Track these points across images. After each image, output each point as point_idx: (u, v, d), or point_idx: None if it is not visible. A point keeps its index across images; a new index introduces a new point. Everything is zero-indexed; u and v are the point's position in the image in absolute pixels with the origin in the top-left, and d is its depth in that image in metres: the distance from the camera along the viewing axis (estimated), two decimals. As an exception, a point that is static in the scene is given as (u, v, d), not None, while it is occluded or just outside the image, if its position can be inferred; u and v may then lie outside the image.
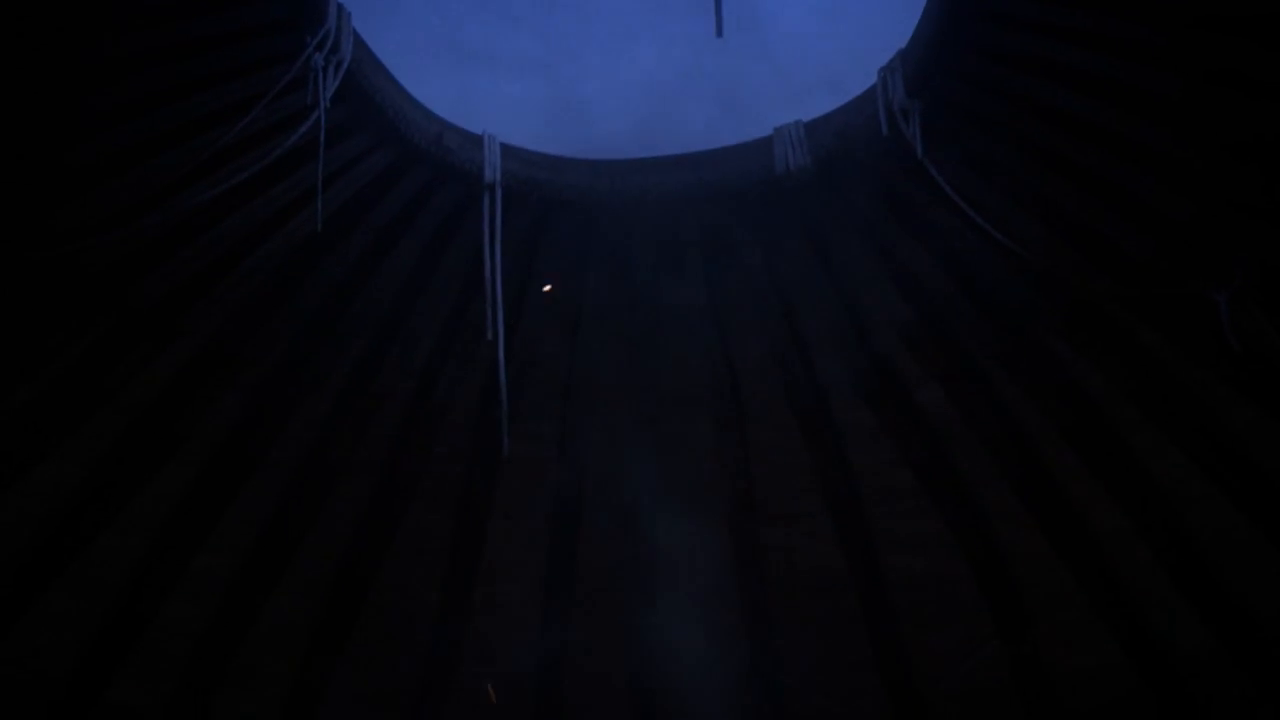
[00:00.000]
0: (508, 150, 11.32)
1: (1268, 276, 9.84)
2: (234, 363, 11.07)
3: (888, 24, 11.64)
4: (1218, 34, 9.46)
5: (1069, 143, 10.18)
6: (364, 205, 10.90)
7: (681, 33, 18.71)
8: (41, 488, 10.94)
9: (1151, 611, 11.71)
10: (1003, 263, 10.62)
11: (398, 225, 11.11)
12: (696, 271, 11.36)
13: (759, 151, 11.32)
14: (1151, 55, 9.71)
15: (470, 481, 11.98)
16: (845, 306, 11.34)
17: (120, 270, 10.32)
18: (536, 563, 12.35)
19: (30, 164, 9.72)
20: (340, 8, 10.54)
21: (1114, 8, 9.77)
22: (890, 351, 11.50)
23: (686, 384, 11.88)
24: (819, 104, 11.51)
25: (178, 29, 9.80)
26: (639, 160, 11.63)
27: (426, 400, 11.60)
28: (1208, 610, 11.43)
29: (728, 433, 12.03)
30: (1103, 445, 11.23)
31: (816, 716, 12.63)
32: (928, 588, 12.19)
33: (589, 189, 11.44)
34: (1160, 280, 10.20)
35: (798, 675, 12.58)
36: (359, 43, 10.72)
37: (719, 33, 10.06)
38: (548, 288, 11.27)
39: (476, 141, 11.22)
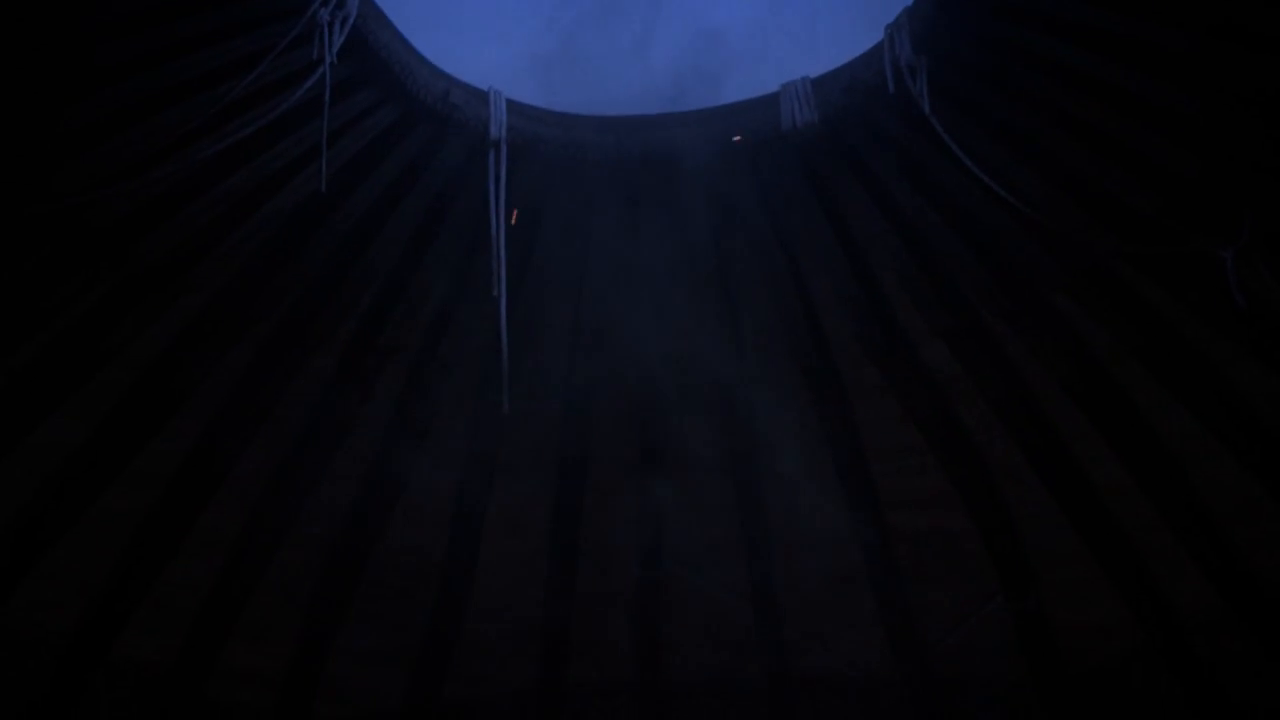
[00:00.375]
0: (513, 106, 11.34)
1: (1274, 234, 9.87)
2: (240, 319, 11.13)
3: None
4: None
5: (1075, 100, 10.20)
6: (370, 161, 10.94)
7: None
8: (47, 444, 11.03)
9: (1155, 568, 11.81)
10: (1009, 220, 10.65)
11: (403, 181, 11.15)
12: (704, 228, 11.40)
13: (766, 107, 11.34)
14: (1157, 10, 9.72)
15: (476, 438, 12.05)
16: (851, 263, 11.37)
17: (125, 226, 10.38)
18: (541, 517, 12.45)
19: (35, 120, 9.76)
20: (346, -38, 10.54)
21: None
22: (896, 309, 11.55)
23: (692, 341, 11.94)
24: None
25: (183, -14, 9.84)
26: (646, 116, 11.66)
27: (432, 355, 11.66)
28: (1212, 567, 11.53)
29: (733, 390, 12.08)
30: (1107, 402, 11.30)
31: (821, 673, 12.77)
32: (932, 544, 12.31)
33: (595, 145, 11.47)
34: (1166, 238, 10.23)
35: (801, 631, 12.71)
36: (365, -3, 10.73)
37: None
38: (513, 218, 11.25)
39: (482, 98, 11.25)
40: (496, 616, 12.68)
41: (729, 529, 12.52)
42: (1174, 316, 10.81)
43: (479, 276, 10.97)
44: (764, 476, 12.35)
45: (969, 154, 10.18)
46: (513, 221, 11.03)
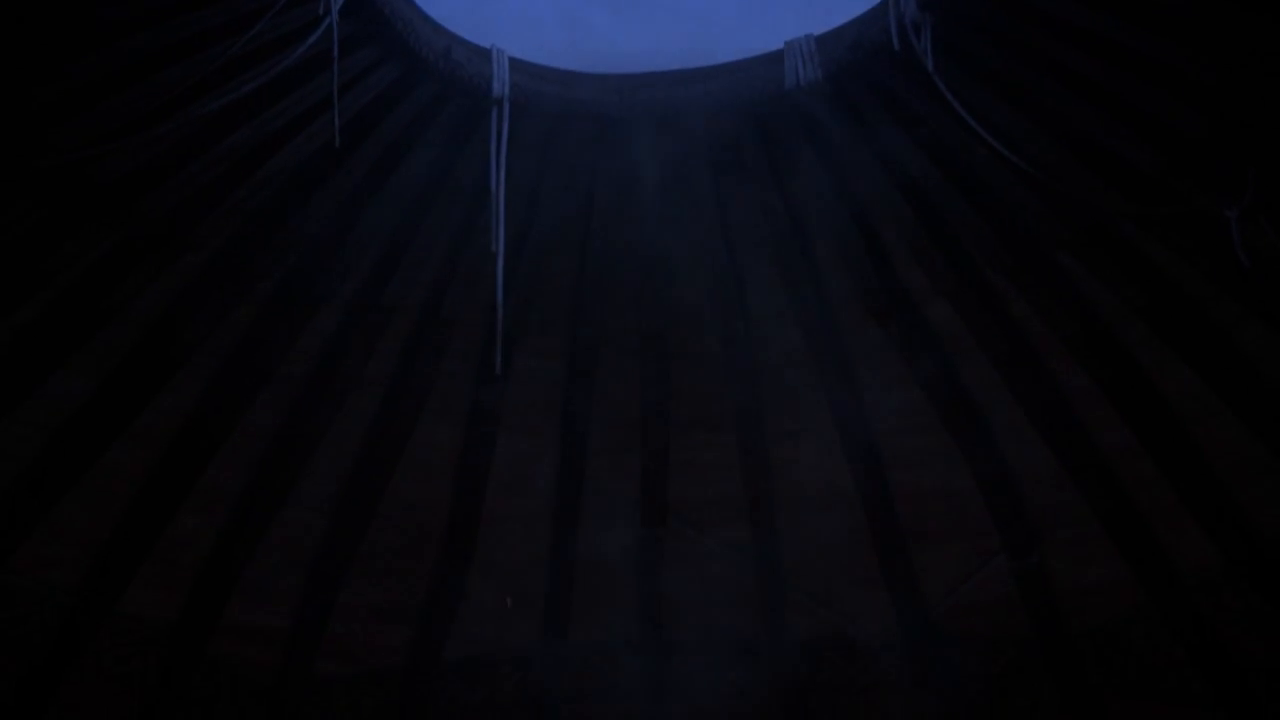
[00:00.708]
0: (516, 64, 11.36)
1: (1279, 193, 9.91)
2: (242, 277, 11.20)
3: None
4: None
5: (1081, 58, 10.23)
6: (371, 119, 10.98)
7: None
8: (51, 401, 11.12)
9: (1157, 527, 11.90)
10: (1013, 179, 10.69)
11: (406, 140, 11.19)
12: (706, 188, 11.44)
13: (770, 65, 11.36)
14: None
15: (479, 396, 12.13)
16: (855, 222, 11.41)
17: (127, 184, 10.44)
18: (545, 477, 12.54)
19: (37, 77, 9.79)
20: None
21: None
22: (899, 268, 11.59)
23: (695, 301, 12.00)
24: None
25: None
26: (649, 74, 11.68)
27: (435, 315, 11.73)
28: (1214, 526, 11.63)
29: (736, 349, 12.15)
30: (1110, 361, 11.37)
31: (823, 631, 12.87)
32: (935, 503, 12.39)
33: (598, 103, 11.50)
34: (1171, 196, 10.27)
35: (803, 590, 12.81)
36: (366, -48, 10.74)
37: None
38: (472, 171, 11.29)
39: (485, 55, 11.27)
40: (499, 575, 12.80)
41: (732, 488, 12.62)
42: (1178, 275, 10.88)
43: (481, 235, 11.02)
44: (767, 435, 12.42)
45: (973, 112, 10.22)
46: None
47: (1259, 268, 9.84)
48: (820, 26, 11.35)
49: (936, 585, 12.65)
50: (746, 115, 11.35)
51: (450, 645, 12.83)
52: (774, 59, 11.24)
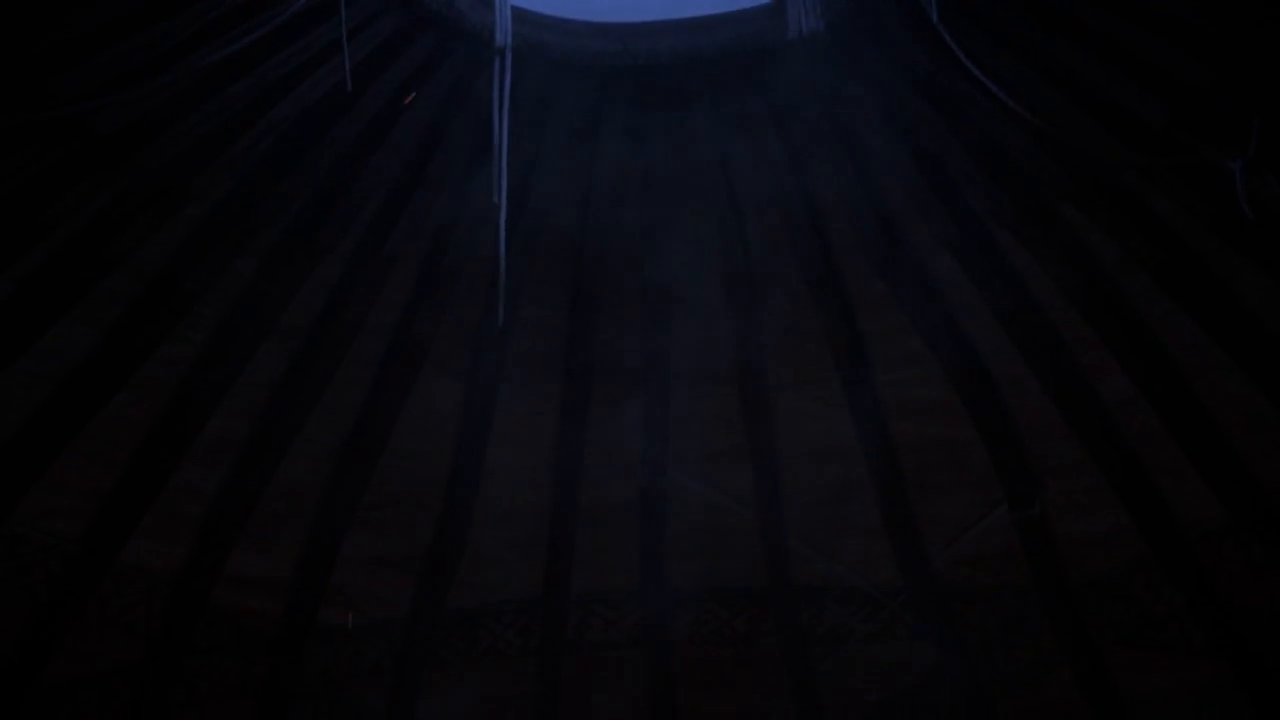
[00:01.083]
0: (519, 14, 11.36)
1: (1283, 144, 9.94)
2: (244, 227, 11.25)
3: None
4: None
5: (1085, 8, 10.22)
6: (373, 69, 10.99)
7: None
8: (55, 351, 11.22)
9: (1160, 480, 11.99)
10: (1016, 130, 10.71)
11: (407, 89, 11.20)
12: (709, 138, 11.47)
13: (773, 15, 11.36)
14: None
15: (482, 346, 12.20)
16: (857, 175, 11.44)
17: (127, 135, 10.48)
18: (547, 427, 12.62)
19: (36, 27, 9.81)
20: None
21: None
22: (902, 219, 11.63)
23: (698, 251, 12.04)
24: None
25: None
26: (651, 23, 11.67)
27: (438, 265, 11.80)
28: (1216, 479, 11.71)
29: (738, 299, 12.21)
30: (1114, 313, 11.42)
31: (825, 582, 12.99)
32: (937, 454, 12.49)
33: (600, 53, 11.50)
34: (1175, 148, 10.29)
35: (805, 540, 12.92)
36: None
37: None
38: (409, 99, 11.27)
39: (487, 4, 11.27)
40: (502, 525, 12.91)
41: (734, 439, 12.71)
42: (1181, 227, 10.91)
43: (483, 186, 11.04)
44: (769, 387, 12.49)
45: (977, 63, 10.22)
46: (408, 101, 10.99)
47: (1262, 219, 9.87)
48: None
49: (938, 536, 12.77)
50: (749, 65, 11.35)
51: (453, 594, 12.96)
52: (776, 10, 11.24)
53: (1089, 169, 10.81)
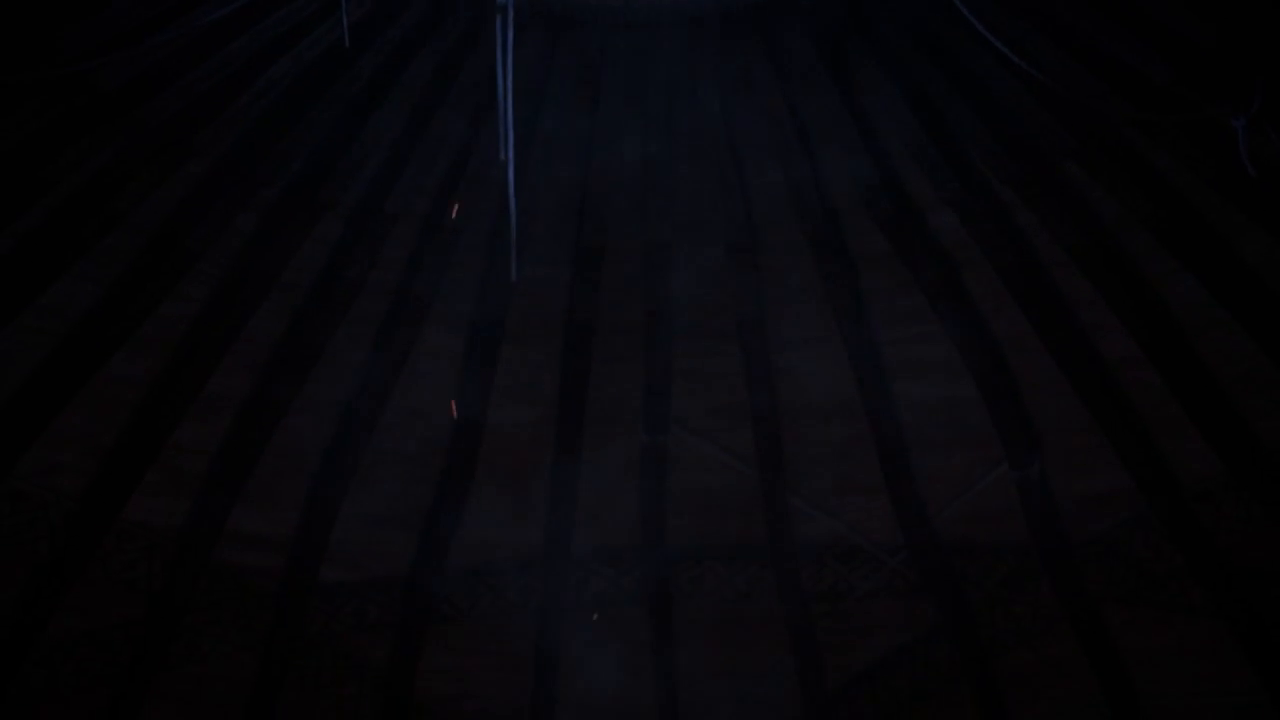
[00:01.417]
0: (520, -31, 11.37)
1: (1286, 102, 9.98)
2: (245, 184, 11.30)
3: None
4: None
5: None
6: (375, 26, 11.01)
7: None
8: (57, 308, 11.30)
9: (1160, 438, 12.08)
10: (1020, 87, 10.73)
11: (410, 46, 11.22)
12: (712, 96, 11.49)
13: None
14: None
15: (483, 303, 12.28)
16: (861, 131, 11.47)
17: (131, 90, 10.50)
18: (549, 383, 12.70)
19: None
20: None
21: None
22: (904, 177, 11.68)
23: (700, 209, 12.10)
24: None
25: None
26: (653, -22, 11.69)
27: (439, 221, 11.84)
28: (1217, 437, 11.80)
29: (740, 257, 12.26)
30: (1116, 271, 11.48)
31: (825, 538, 13.10)
32: (938, 412, 12.58)
33: (602, 8, 11.51)
34: (1178, 105, 10.32)
35: (806, 498, 13.01)
36: None
37: None
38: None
39: (489, -41, 11.29)
40: (504, 482, 13.00)
41: (735, 396, 12.78)
42: (1184, 185, 10.96)
43: (486, 142, 11.10)
44: (770, 344, 12.56)
45: (980, 19, 10.23)
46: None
47: (1265, 177, 9.91)
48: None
49: (938, 494, 12.87)
50: (755, 20, 11.36)
51: (454, 552, 13.06)
52: (782, -35, 11.25)
53: (1091, 126, 10.84)
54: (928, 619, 13.16)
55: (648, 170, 11.77)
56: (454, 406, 12.70)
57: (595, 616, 13.32)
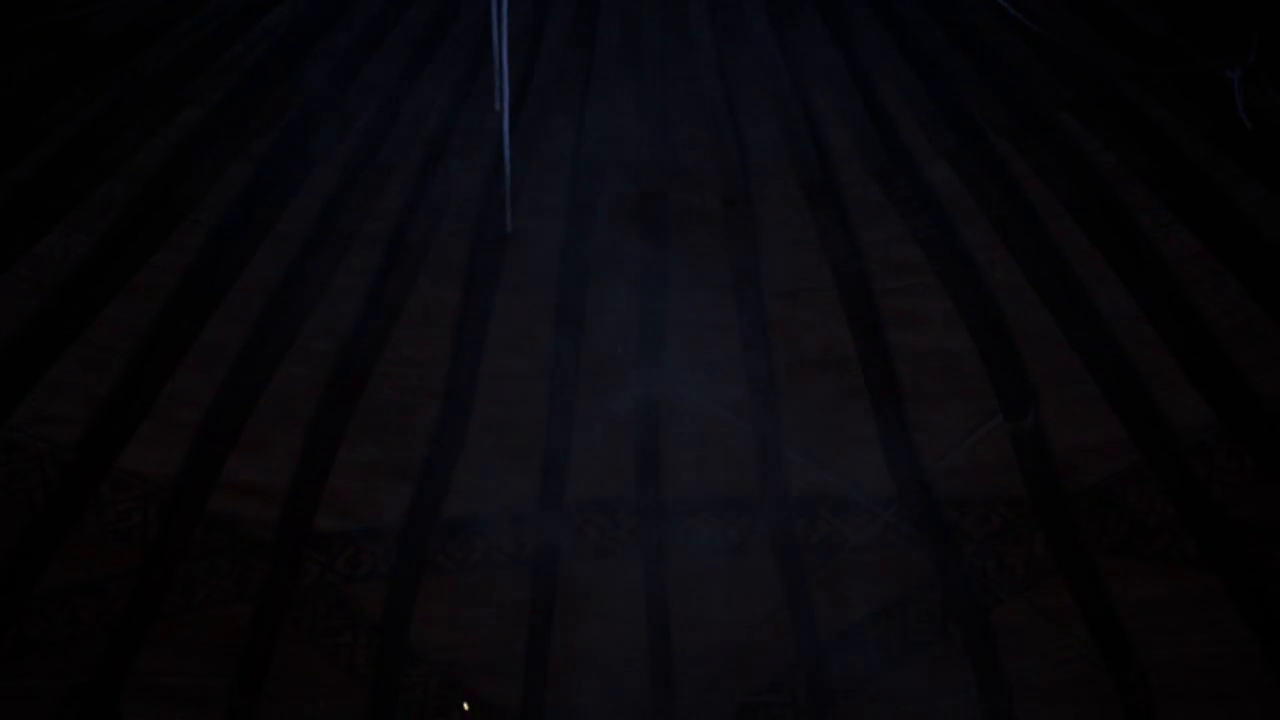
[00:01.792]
0: (512, -83, 11.38)
1: (1282, 54, 10.02)
2: (239, 134, 11.33)
3: None
4: None
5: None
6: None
7: None
8: (51, 257, 11.36)
9: (1155, 390, 12.17)
10: (1016, 38, 10.76)
11: (402, -4, 11.26)
12: (707, 45, 11.50)
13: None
14: None
15: (478, 255, 12.33)
16: (856, 82, 11.49)
17: (124, 38, 10.53)
18: (542, 336, 12.78)
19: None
20: None
21: None
22: (900, 128, 11.71)
23: (695, 159, 12.14)
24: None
25: None
26: (648, -73, 11.70)
27: (434, 173, 11.88)
28: (1212, 389, 11.90)
29: (735, 209, 12.30)
30: (1111, 224, 11.55)
31: (817, 489, 13.20)
32: (933, 364, 12.65)
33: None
34: (1174, 57, 10.36)
35: (800, 450, 13.10)
36: None
37: None
38: None
39: (481, -92, 11.29)
40: (497, 433, 13.10)
41: (730, 349, 12.85)
42: (1179, 137, 11.02)
43: (481, 93, 11.13)
44: (765, 295, 12.62)
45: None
46: None
47: (1261, 129, 9.97)
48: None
49: (932, 445, 12.96)
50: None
51: (448, 502, 13.16)
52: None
53: (1088, 78, 10.88)
54: (922, 570, 13.26)
55: (643, 118, 11.80)
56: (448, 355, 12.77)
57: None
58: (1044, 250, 11.92)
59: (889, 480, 13.08)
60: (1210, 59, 10.04)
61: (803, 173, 12.05)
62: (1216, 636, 12.70)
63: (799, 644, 13.39)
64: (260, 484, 12.81)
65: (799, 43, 11.53)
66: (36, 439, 12.05)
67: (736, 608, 13.56)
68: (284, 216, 11.85)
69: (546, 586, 13.35)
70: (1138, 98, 10.93)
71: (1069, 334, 12.13)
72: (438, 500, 13.13)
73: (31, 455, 12.06)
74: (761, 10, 11.43)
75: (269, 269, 12.07)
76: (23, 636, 12.41)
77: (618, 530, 13.38)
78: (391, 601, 13.24)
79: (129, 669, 12.66)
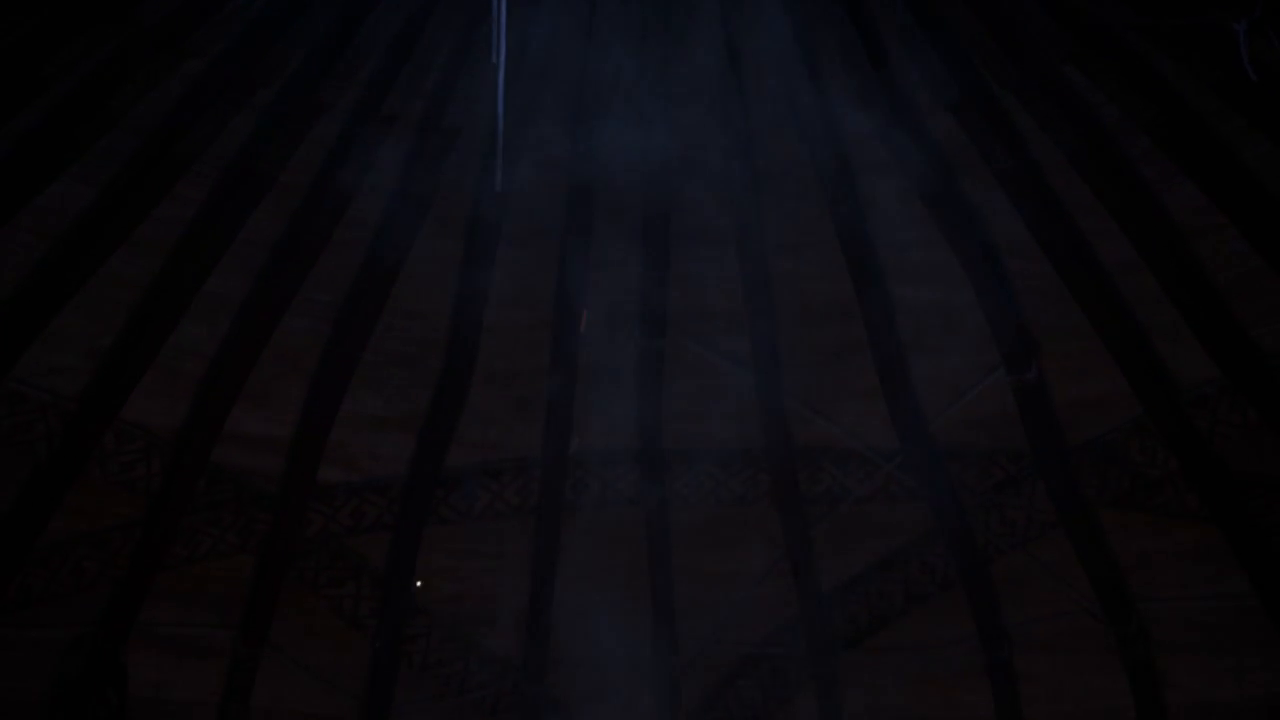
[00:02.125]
0: None
1: (1288, 6, 10.04)
2: (243, 84, 11.37)
3: None
4: None
5: None
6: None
7: None
8: (54, 208, 11.42)
9: (1158, 343, 12.24)
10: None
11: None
12: (714, 11, 11.51)
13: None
14: None
15: (480, 208, 12.38)
16: (859, 34, 11.49)
17: (125, -11, 10.58)
18: (544, 288, 12.84)
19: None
20: None
21: None
22: (903, 81, 11.74)
23: (696, 113, 12.16)
24: None
25: None
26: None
27: (435, 125, 11.92)
28: (1214, 342, 11.96)
29: (738, 163, 12.34)
30: (1115, 176, 11.59)
31: (820, 441, 13.27)
32: (935, 317, 12.71)
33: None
34: (1179, 8, 10.39)
35: (803, 402, 13.17)
36: None
37: None
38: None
39: None
40: (501, 385, 13.17)
41: (733, 300, 12.92)
42: (1184, 89, 11.05)
43: (481, 47, 11.13)
44: (767, 248, 12.66)
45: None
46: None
47: (1265, 81, 10.00)
48: None
49: (935, 398, 13.03)
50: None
51: (452, 453, 13.25)
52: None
53: (1092, 29, 10.89)
54: (924, 523, 13.35)
55: (644, 74, 11.82)
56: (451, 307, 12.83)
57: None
58: (1047, 202, 11.96)
59: (891, 432, 13.14)
60: (1215, 11, 10.06)
61: (804, 128, 12.06)
62: (1218, 589, 12.79)
63: (801, 595, 13.46)
64: (264, 436, 12.90)
65: (802, 5, 11.53)
66: (40, 390, 12.14)
67: (739, 559, 13.64)
68: (286, 167, 11.88)
69: (550, 538, 13.43)
70: (1142, 50, 10.95)
71: (1072, 287, 12.17)
72: (441, 451, 13.20)
73: (35, 407, 12.14)
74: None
75: (272, 220, 12.12)
76: (26, 587, 12.50)
77: (619, 481, 13.44)
78: (395, 553, 13.34)
79: (132, 620, 12.76)
